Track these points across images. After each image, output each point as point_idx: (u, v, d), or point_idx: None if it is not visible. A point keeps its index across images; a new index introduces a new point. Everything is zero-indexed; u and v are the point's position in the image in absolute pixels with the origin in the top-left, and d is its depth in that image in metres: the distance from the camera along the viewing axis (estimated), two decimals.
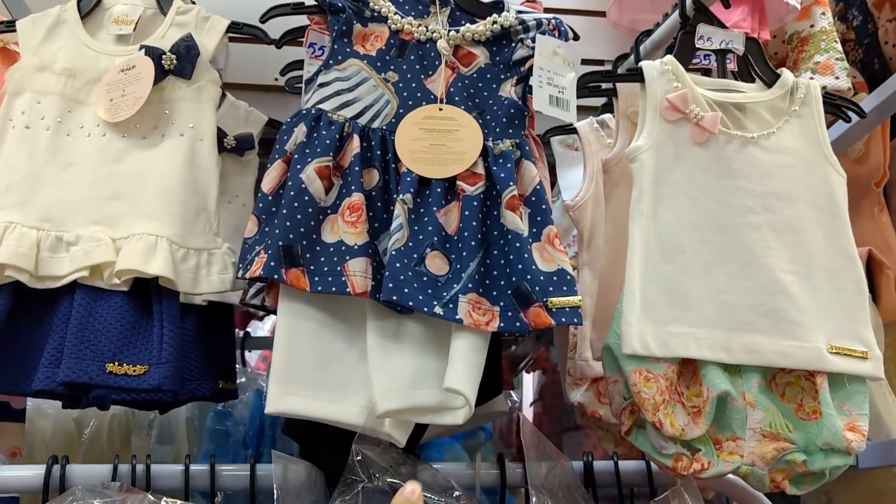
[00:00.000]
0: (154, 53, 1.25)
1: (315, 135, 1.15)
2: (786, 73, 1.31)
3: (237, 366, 1.95)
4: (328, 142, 1.14)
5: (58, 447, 1.79)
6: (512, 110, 1.18)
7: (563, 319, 1.07)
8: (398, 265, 1.07)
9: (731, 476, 1.19)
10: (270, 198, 1.15)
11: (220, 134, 1.55)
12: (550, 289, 1.08)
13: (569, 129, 1.62)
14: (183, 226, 1.20)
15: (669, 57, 1.29)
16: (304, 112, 1.18)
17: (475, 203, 1.12)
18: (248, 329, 2.30)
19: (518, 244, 1.09)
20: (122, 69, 1.25)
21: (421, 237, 1.10)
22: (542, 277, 1.08)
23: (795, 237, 1.22)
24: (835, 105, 1.37)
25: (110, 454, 1.77)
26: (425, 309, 1.06)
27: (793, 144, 1.27)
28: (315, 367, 1.10)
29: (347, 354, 1.12)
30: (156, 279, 1.17)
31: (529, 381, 3.18)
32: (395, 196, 1.13)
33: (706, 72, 1.37)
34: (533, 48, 1.21)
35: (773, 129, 1.27)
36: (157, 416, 1.87)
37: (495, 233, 1.11)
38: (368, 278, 1.09)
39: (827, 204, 1.25)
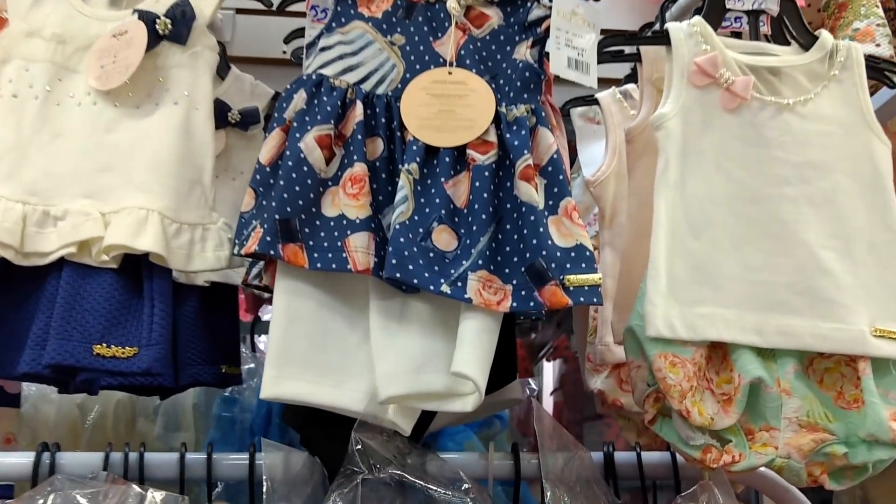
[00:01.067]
0: (147, 18, 1.17)
1: (315, 101, 1.08)
2: (824, 35, 1.21)
3: (246, 352, 1.90)
4: (329, 108, 1.07)
5: (61, 434, 1.74)
6: (527, 73, 1.10)
7: (582, 299, 0.99)
8: (402, 240, 0.99)
9: (762, 469, 1.10)
10: (268, 169, 1.08)
11: (225, 108, 1.49)
12: (567, 266, 1.00)
13: (590, 101, 1.53)
14: (176, 199, 1.12)
15: (697, 18, 1.19)
16: (304, 78, 1.11)
17: (486, 173, 1.03)
18: (259, 314, 2.23)
19: (533, 217, 1.00)
20: (114, 35, 1.18)
21: (427, 210, 1.02)
22: (558, 253, 1.00)
23: (834, 210, 1.12)
24: (878, 69, 1.27)
25: (115, 441, 1.71)
26: (431, 287, 0.98)
27: (832, 111, 1.17)
28: (314, 350, 1.03)
29: (349, 336, 1.05)
30: (146, 255, 1.09)
31: (550, 370, 3.10)
32: (400, 167, 1.05)
33: (737, 35, 1.28)
34: (550, 7, 1.13)
35: (811, 95, 1.18)
36: (161, 402, 1.81)
37: (508, 205, 1.03)
38: (371, 254, 1.01)
39: (869, 175, 1.15)
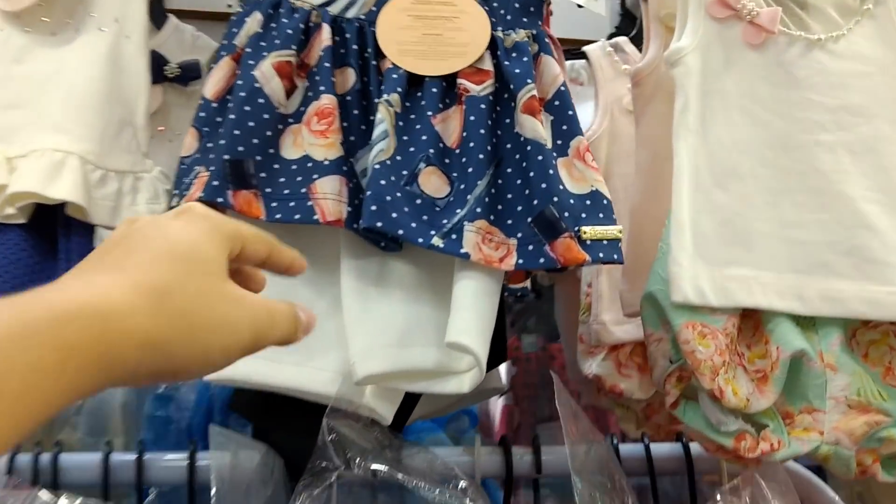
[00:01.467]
0: None
1: (273, 24, 0.89)
2: None
3: None
4: (290, 32, 0.88)
5: None
6: None
7: (601, 255, 0.82)
8: (383, 183, 0.81)
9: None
10: (214, 105, 0.88)
11: (162, 60, 1.31)
12: (583, 215, 0.83)
13: (575, 55, 1.37)
14: (101, 141, 0.92)
15: None
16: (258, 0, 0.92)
17: (483, 106, 0.86)
18: None
19: (540, 157, 0.83)
20: None
21: (412, 149, 0.84)
22: (571, 200, 0.83)
23: (878, 160, 0.97)
24: None
25: (30, 445, 1.49)
26: (420, 240, 0.80)
27: (868, 49, 1.03)
28: None
29: (316, 304, 0.86)
30: (62, 207, 0.89)
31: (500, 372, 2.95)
32: (376, 101, 0.87)
33: None
34: None
35: (843, 31, 1.03)
36: (84, 402, 1.58)
37: (509, 144, 0.86)
38: (343, 202, 0.83)
39: None
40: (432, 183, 0.83)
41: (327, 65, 0.87)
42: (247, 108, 0.84)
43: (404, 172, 0.82)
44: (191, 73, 1.32)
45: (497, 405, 2.87)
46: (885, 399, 0.90)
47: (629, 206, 1.08)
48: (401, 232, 0.79)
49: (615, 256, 0.83)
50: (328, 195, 0.82)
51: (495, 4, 0.94)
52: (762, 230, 0.93)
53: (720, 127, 0.96)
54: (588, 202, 0.84)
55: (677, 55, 0.97)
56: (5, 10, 0.96)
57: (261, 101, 0.84)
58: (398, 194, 0.81)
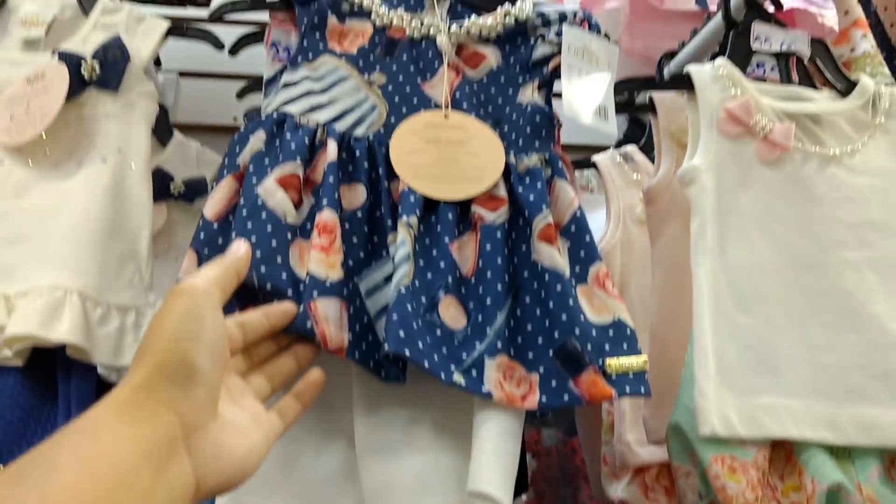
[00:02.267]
0: (71, 60, 0.97)
1: (277, 141, 0.86)
2: (864, 79, 1.06)
3: None
4: (294, 147, 0.84)
5: None
6: (537, 118, 0.91)
7: (628, 389, 0.78)
8: (408, 309, 0.76)
9: None
10: (215, 225, 0.82)
11: (166, 178, 1.30)
12: (606, 346, 0.79)
13: (585, 164, 1.36)
14: (101, 276, 0.89)
15: (722, 59, 1.03)
16: (262, 118, 0.89)
17: (498, 234, 0.83)
18: None
19: (559, 287, 0.79)
20: (28, 80, 0.97)
21: (430, 276, 0.80)
22: (594, 332, 0.79)
23: None
24: None
25: None
26: (442, 374, 0.74)
27: (884, 163, 1.01)
28: (281, 469, 0.80)
29: (326, 446, 0.82)
30: (62, 349, 0.86)
31: None
32: (387, 220, 0.84)
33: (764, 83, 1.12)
34: (557, 44, 0.95)
35: (858, 146, 1.01)
36: None
37: (526, 273, 0.82)
38: (344, 329, 0.76)
39: None
40: (451, 313, 0.79)
41: (331, 180, 0.82)
42: (249, 225, 0.78)
43: (423, 300, 0.78)
44: (196, 190, 1.31)
45: (518, 502, 2.79)
46: None
47: (649, 326, 1.04)
48: (426, 363, 0.74)
49: (642, 390, 0.79)
50: (329, 319, 0.74)
51: (506, 128, 0.92)
52: (789, 354, 0.89)
53: (739, 247, 0.93)
54: (611, 332, 0.81)
55: (691, 174, 0.95)
56: (7, 143, 0.94)
57: (264, 215, 0.79)
58: (420, 322, 0.77)
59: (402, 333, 0.73)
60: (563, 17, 0.98)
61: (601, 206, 1.35)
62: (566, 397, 0.76)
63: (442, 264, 0.80)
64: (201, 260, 0.80)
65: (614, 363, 0.78)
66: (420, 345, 0.74)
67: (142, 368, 0.51)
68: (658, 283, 1.05)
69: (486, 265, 0.81)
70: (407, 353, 0.73)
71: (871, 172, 1.00)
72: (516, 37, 0.98)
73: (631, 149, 1.34)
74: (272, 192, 0.79)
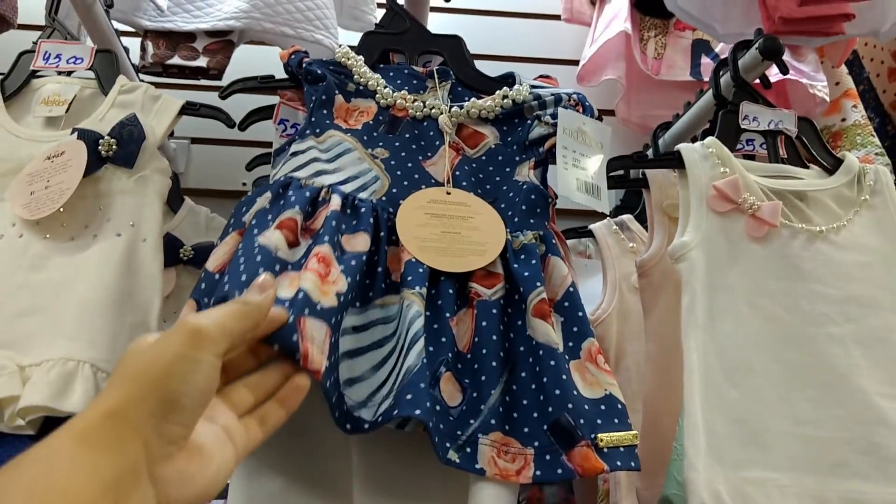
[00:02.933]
0: (89, 138, 1.02)
1: (282, 200, 0.89)
2: (850, 157, 1.10)
3: None
4: (295, 199, 0.87)
5: None
6: (533, 196, 0.95)
7: (619, 463, 0.80)
8: (420, 383, 0.76)
9: None
10: (216, 276, 0.85)
11: (177, 243, 1.33)
12: (598, 421, 0.82)
13: (582, 233, 1.39)
14: (113, 348, 0.93)
15: (711, 138, 1.07)
16: (270, 182, 0.93)
17: (494, 310, 0.86)
18: None
19: (553, 362, 0.83)
20: (49, 157, 1.01)
21: (432, 349, 0.83)
22: (586, 406, 0.82)
23: (888, 353, 0.97)
24: None
25: None
26: (439, 453, 0.77)
27: (869, 240, 1.05)
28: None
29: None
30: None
31: None
32: (381, 279, 0.86)
33: (750, 159, 1.16)
34: (553, 125, 1.00)
35: (843, 222, 1.05)
36: None
37: (522, 348, 0.85)
38: (324, 355, 0.73)
39: None
40: (448, 390, 0.82)
41: (333, 224, 0.85)
42: (242, 265, 0.80)
43: (427, 374, 0.79)
44: (205, 255, 1.31)
45: None
46: None
47: (642, 397, 1.07)
48: (430, 425, 0.75)
49: (632, 464, 0.81)
50: (314, 339, 0.72)
51: (503, 206, 0.96)
52: (777, 428, 0.92)
53: (728, 321, 0.96)
54: (603, 407, 0.83)
55: (683, 250, 0.99)
56: (26, 218, 0.98)
57: (257, 250, 0.80)
58: (425, 396, 0.77)
59: (409, 397, 0.74)
60: (558, 100, 1.02)
61: (599, 271, 1.39)
62: (560, 471, 0.78)
63: (443, 339, 0.83)
64: (200, 308, 0.83)
65: (606, 437, 0.80)
66: (430, 410, 0.75)
67: (118, 395, 0.49)
68: (651, 354, 1.08)
69: (482, 341, 0.84)
70: (417, 413, 0.73)
71: (856, 248, 1.04)
72: (514, 118, 1.03)
73: (627, 218, 1.38)
74: (269, 235, 0.81)
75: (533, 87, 1.05)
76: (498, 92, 1.03)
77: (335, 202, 0.88)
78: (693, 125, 1.34)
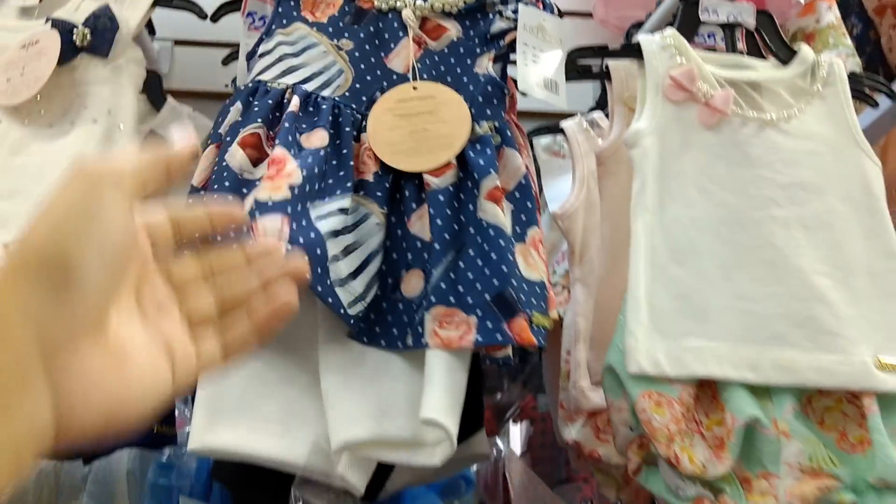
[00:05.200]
0: (63, 27, 1.06)
1: (248, 110, 0.96)
2: (804, 49, 1.13)
3: (185, 410, 1.72)
4: (257, 109, 0.94)
5: None
6: (489, 87, 0.99)
7: (542, 342, 0.87)
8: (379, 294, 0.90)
9: None
10: (201, 192, 0.93)
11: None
12: (534, 301, 0.88)
13: (554, 129, 1.43)
14: None
15: (670, 29, 1.10)
16: (241, 89, 0.99)
17: (441, 197, 0.91)
18: None
19: (501, 241, 0.88)
20: (23, 45, 1.06)
21: (395, 256, 0.92)
22: (525, 286, 0.88)
23: (829, 235, 1.02)
24: (860, 89, 1.18)
25: None
26: (399, 344, 0.88)
27: (818, 129, 1.08)
28: (252, 394, 0.89)
29: (296, 377, 0.91)
30: None
31: (517, 432, 2.95)
32: (346, 173, 0.92)
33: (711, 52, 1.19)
34: (514, 20, 1.03)
35: (794, 111, 1.09)
36: (91, 469, 1.62)
37: (471, 229, 0.90)
38: (283, 241, 0.82)
39: (863, 197, 1.06)
40: (412, 285, 0.90)
41: (287, 125, 0.92)
42: (215, 186, 0.89)
43: (389, 281, 0.89)
44: None
45: (517, 467, 2.86)
46: (835, 465, 0.93)
47: (594, 285, 1.12)
48: (383, 343, 0.88)
49: (543, 343, 0.88)
50: (268, 233, 0.81)
51: (463, 97, 0.99)
52: (717, 303, 0.97)
53: (677, 204, 1.01)
54: (538, 289, 0.90)
55: (636, 137, 1.03)
56: (3, 103, 1.03)
57: (225, 175, 0.89)
58: (384, 304, 0.89)
59: (363, 324, 0.87)
60: None
61: (570, 172, 1.42)
62: (499, 337, 0.85)
63: (404, 245, 0.90)
64: None
65: (537, 317, 0.87)
66: (379, 329, 0.88)
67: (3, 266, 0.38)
68: (604, 236, 1.13)
69: (432, 228, 0.90)
70: (365, 340, 0.87)
71: (805, 137, 1.07)
72: (476, 12, 1.06)
73: (597, 115, 1.41)
74: (233, 154, 0.89)
75: None
76: None
77: (294, 103, 0.94)
78: (663, 22, 1.36)
